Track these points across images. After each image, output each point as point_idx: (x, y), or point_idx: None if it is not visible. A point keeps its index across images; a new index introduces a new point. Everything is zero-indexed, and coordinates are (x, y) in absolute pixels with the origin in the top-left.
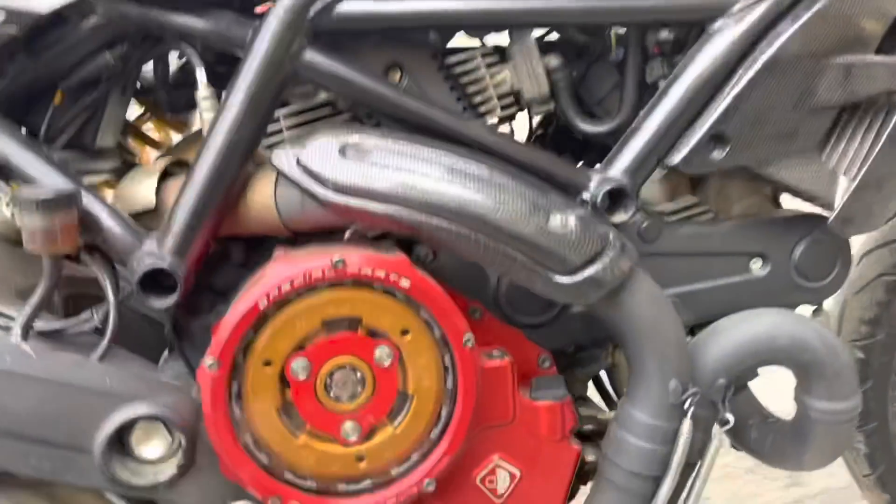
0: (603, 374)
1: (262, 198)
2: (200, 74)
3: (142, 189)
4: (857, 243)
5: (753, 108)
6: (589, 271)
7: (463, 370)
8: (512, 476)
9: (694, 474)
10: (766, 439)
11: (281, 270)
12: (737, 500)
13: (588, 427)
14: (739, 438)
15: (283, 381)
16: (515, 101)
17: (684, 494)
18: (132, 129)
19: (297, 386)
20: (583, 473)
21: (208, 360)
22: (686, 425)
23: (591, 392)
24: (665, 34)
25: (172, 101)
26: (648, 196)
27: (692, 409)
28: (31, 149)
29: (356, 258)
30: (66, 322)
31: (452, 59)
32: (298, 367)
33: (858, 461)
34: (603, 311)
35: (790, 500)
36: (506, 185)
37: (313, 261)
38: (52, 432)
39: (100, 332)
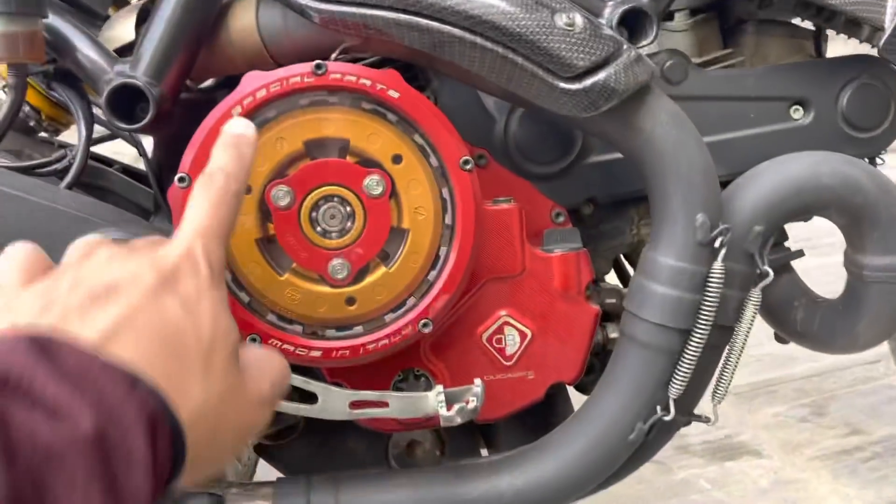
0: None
1: (244, 22)
2: None
3: (120, 26)
4: None
5: None
6: (598, 76)
7: (461, 196)
8: (522, 336)
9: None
10: (813, 319)
11: (257, 78)
12: (791, 448)
13: (610, 301)
14: (784, 322)
15: (265, 211)
16: None
17: (721, 363)
18: None
19: (279, 216)
20: (605, 353)
21: (178, 177)
22: (718, 266)
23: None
24: None
25: None
26: (675, 49)
27: (724, 249)
28: None
29: (339, 65)
30: (35, 162)
31: None
32: (279, 193)
33: None
34: (618, 135)
35: (850, 447)
36: None
37: (293, 69)
38: None
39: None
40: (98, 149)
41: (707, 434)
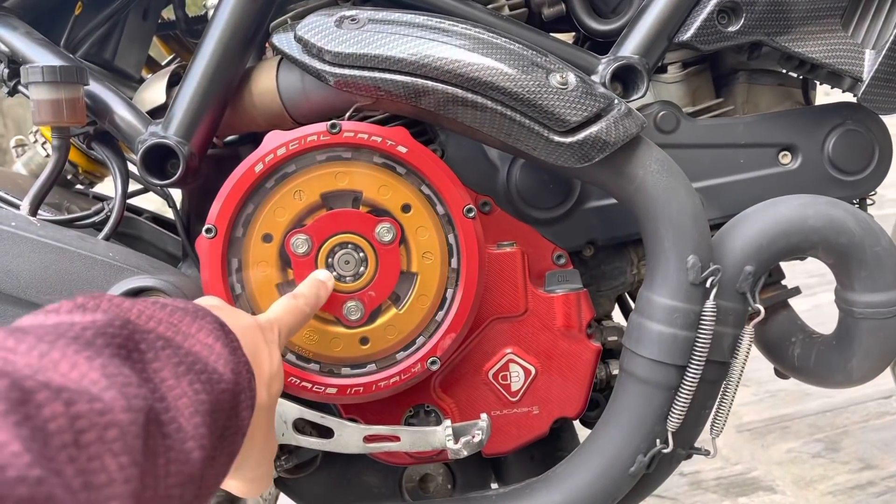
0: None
1: (266, 84)
2: None
3: (152, 89)
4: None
5: None
6: (590, 130)
7: (465, 242)
8: (527, 372)
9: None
10: (810, 355)
11: (277, 137)
12: (804, 483)
13: (612, 339)
14: (782, 358)
15: (285, 259)
16: (525, 1)
17: (718, 398)
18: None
19: (298, 262)
20: (608, 389)
21: (205, 228)
22: (710, 305)
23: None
24: None
25: (191, 33)
26: (669, 100)
27: (715, 288)
28: (49, 48)
29: (352, 124)
30: (76, 215)
31: None
32: (298, 241)
33: None
34: (612, 183)
35: (862, 482)
36: (505, 46)
37: (310, 129)
38: (53, 299)
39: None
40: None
41: (721, 470)
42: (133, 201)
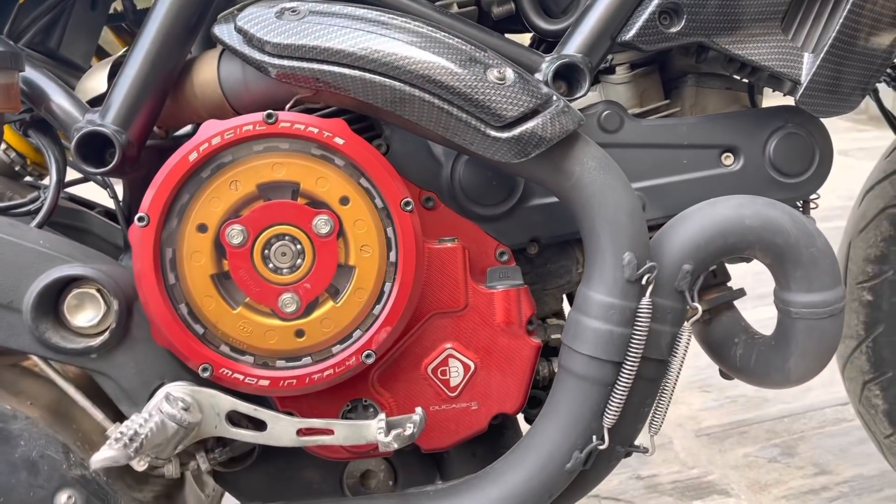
0: None
1: (207, 75)
2: None
3: (94, 78)
4: (859, 183)
5: None
6: (526, 125)
7: (403, 235)
8: (466, 368)
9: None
10: (751, 355)
11: (213, 126)
12: (759, 487)
13: (556, 337)
14: (725, 358)
15: (220, 250)
16: (475, 0)
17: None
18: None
19: (233, 253)
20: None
21: (137, 216)
22: (646, 302)
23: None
24: None
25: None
26: (616, 100)
27: (651, 285)
28: None
29: (289, 115)
30: (9, 203)
31: None
32: (234, 232)
33: (877, 420)
34: (549, 179)
35: (816, 486)
36: (443, 40)
37: (245, 118)
38: None
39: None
40: (88, 192)
41: (678, 473)
42: (89, 196)
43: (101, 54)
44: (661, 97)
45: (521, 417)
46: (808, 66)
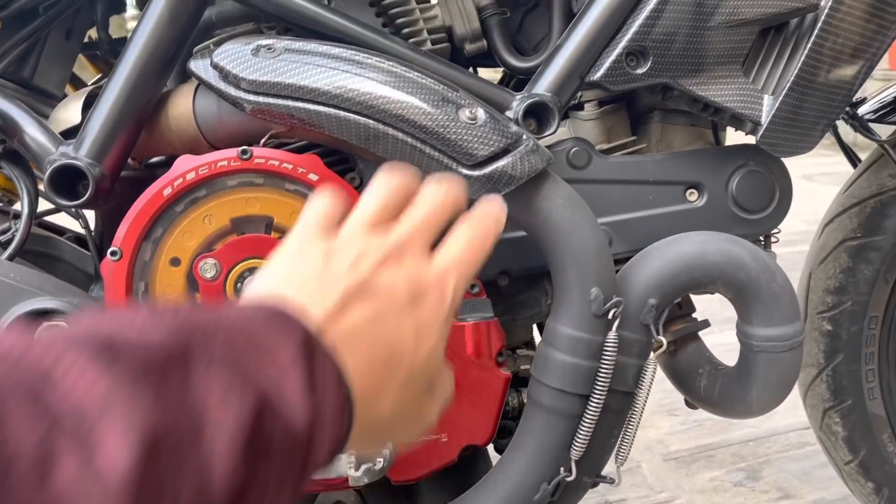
0: None
1: (182, 109)
2: None
3: (68, 109)
4: (824, 207)
5: (670, 22)
6: (497, 164)
7: None
8: None
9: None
10: (714, 386)
11: (187, 161)
12: None
13: (525, 368)
14: (690, 388)
15: (192, 284)
16: (448, 37)
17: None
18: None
19: (206, 287)
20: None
21: (110, 251)
22: (612, 336)
23: None
24: None
25: (115, 54)
26: (585, 137)
27: (617, 320)
28: None
29: (264, 151)
30: None
31: None
32: (206, 266)
33: (837, 447)
34: (519, 216)
35: None
36: (417, 80)
37: (220, 154)
38: None
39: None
40: (59, 218)
41: (645, 498)
42: (61, 223)
43: (76, 82)
44: (629, 133)
45: (491, 447)
46: (767, 108)
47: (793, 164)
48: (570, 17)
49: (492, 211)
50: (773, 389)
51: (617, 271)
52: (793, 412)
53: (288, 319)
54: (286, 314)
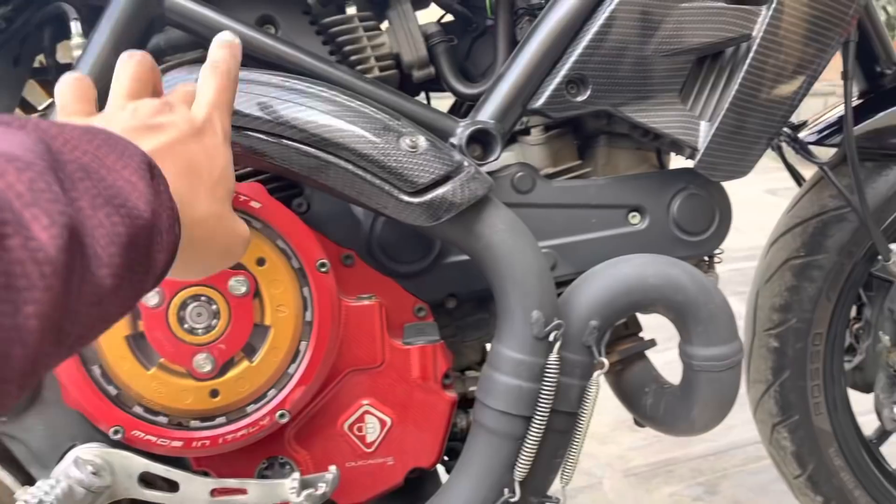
0: None
1: None
2: (75, 26)
3: None
4: (766, 235)
5: (609, 51)
6: (438, 191)
7: (318, 295)
8: (382, 424)
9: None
10: (660, 405)
11: None
12: None
13: (473, 389)
14: (637, 407)
15: (135, 311)
16: (396, 64)
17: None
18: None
19: (148, 314)
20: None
21: None
22: (553, 358)
23: None
24: None
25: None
26: (531, 161)
27: (558, 342)
28: None
29: None
30: None
31: (328, 19)
32: (149, 293)
33: (787, 461)
34: (461, 241)
35: None
36: (359, 108)
37: None
38: None
39: None
40: None
41: None
42: None
43: (26, 106)
44: (575, 157)
45: (444, 469)
46: (704, 134)
47: (757, 180)
48: (515, 44)
49: (224, 47)
50: (713, 408)
51: (561, 294)
52: (751, 426)
53: (125, 142)
54: (123, 138)
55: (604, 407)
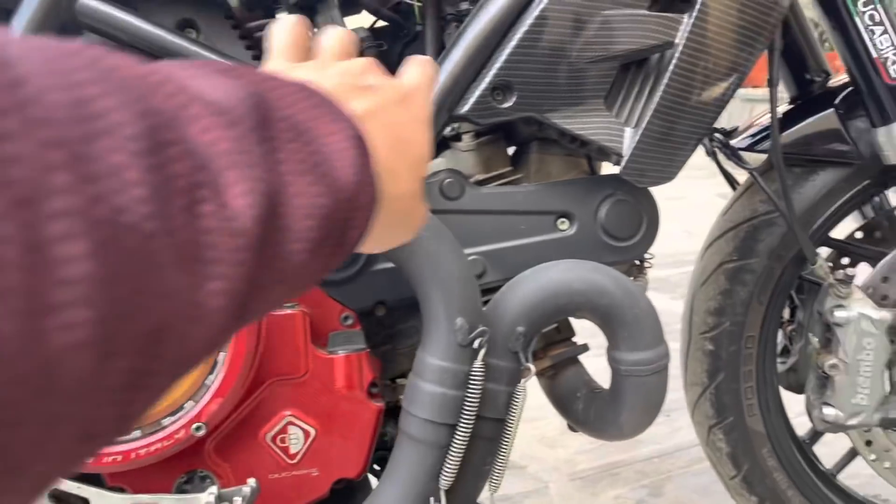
0: None
1: None
2: None
3: None
4: (701, 239)
5: (533, 57)
6: None
7: None
8: (306, 434)
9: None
10: (590, 409)
11: None
12: None
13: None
14: (569, 411)
15: None
16: None
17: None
18: None
19: None
20: None
21: None
22: (478, 365)
23: None
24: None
25: None
26: (463, 167)
27: (483, 349)
28: None
29: None
30: None
31: (253, 24)
32: None
33: (723, 462)
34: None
35: None
36: None
37: None
38: None
39: None
40: None
41: None
42: None
43: None
44: (507, 164)
45: (374, 478)
46: (629, 141)
47: (708, 183)
48: (443, 50)
49: (424, 62)
50: (641, 412)
51: (490, 300)
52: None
53: (338, 105)
54: (336, 100)
55: (553, 411)
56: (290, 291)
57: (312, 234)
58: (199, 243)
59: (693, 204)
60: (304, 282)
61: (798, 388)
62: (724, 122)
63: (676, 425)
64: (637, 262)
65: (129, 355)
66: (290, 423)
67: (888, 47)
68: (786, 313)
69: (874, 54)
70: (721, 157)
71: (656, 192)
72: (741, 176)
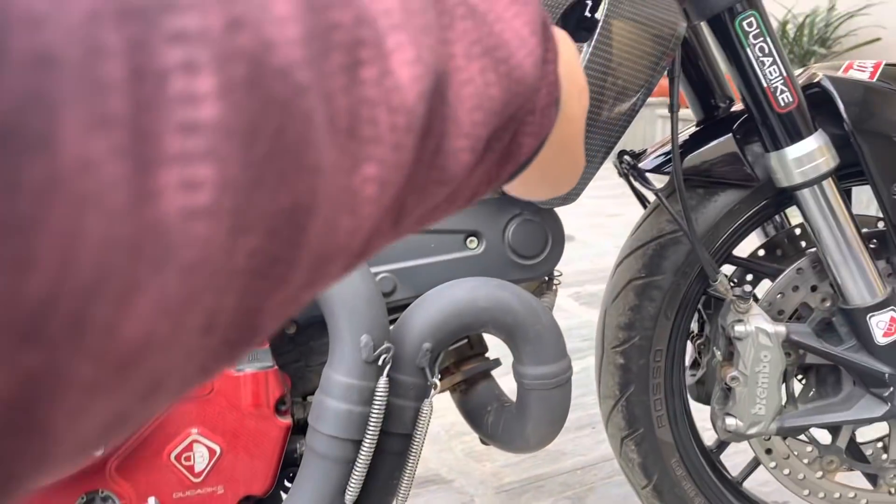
0: None
1: None
2: None
3: None
4: (614, 256)
5: None
6: None
7: None
8: (211, 452)
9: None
10: (499, 423)
11: None
12: None
13: None
14: (480, 425)
15: None
16: None
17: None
18: None
19: None
20: None
21: None
22: (382, 381)
23: None
24: None
25: None
26: None
27: (388, 366)
28: None
29: None
30: None
31: None
32: None
33: (635, 472)
34: None
35: None
36: None
37: None
38: None
39: None
40: None
41: None
42: None
43: None
44: None
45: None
46: None
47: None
48: None
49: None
50: (545, 424)
51: (399, 317)
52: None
53: None
54: None
55: None
56: (450, 204)
57: (479, 129)
58: (357, 116)
59: (629, 221)
60: (466, 193)
61: (707, 400)
62: (658, 138)
63: (601, 437)
64: (546, 279)
65: (261, 234)
66: (195, 441)
67: (777, 77)
68: (696, 327)
69: (765, 84)
70: (632, 178)
71: (596, 209)
72: (652, 196)
